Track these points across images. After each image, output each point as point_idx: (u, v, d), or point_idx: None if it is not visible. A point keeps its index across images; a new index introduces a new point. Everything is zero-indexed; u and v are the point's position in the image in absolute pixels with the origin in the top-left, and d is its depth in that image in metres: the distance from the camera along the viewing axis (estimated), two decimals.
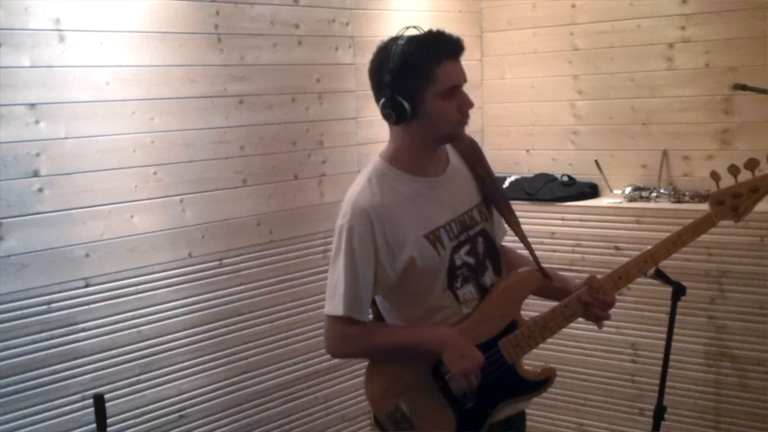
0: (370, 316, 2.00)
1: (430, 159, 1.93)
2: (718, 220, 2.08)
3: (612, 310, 2.04)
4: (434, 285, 1.91)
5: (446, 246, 1.90)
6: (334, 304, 1.88)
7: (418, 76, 1.80)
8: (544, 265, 2.05)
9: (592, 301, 1.96)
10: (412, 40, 1.82)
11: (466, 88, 1.89)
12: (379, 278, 1.88)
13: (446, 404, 1.92)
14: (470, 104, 1.87)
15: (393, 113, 1.83)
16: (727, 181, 2.06)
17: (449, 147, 2.01)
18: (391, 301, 1.97)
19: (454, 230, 1.92)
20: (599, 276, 2.01)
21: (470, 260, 1.94)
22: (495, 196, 2.04)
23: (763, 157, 2.05)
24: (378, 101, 1.87)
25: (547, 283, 2.03)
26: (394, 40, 1.84)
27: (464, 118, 1.88)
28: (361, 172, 1.96)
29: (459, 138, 1.96)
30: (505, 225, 2.08)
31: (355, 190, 1.90)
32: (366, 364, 2.01)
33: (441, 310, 1.93)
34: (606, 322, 2.03)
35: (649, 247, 2.11)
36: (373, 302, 1.99)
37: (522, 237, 2.06)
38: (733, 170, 2.02)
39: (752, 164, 2.01)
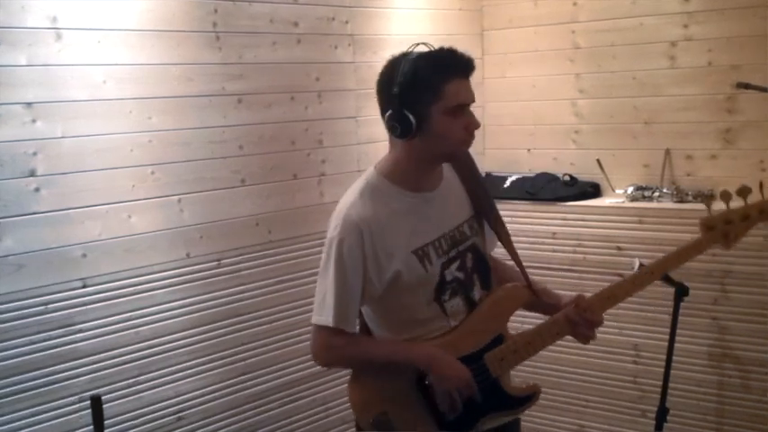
0: (357, 327, 2.00)
1: (426, 175, 1.93)
2: (707, 246, 2.07)
3: (614, 311, 2.03)
4: (420, 299, 1.92)
5: (434, 262, 1.91)
6: (324, 315, 1.89)
7: (426, 92, 1.81)
8: (543, 271, 2.05)
9: (578, 319, 1.98)
10: (423, 55, 1.84)
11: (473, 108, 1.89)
12: (367, 290, 1.89)
13: (429, 415, 1.92)
14: (477, 125, 1.88)
15: (398, 126, 1.83)
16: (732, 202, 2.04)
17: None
18: (377, 311, 1.98)
19: (443, 246, 1.93)
20: (587, 296, 2.02)
21: (460, 275, 1.95)
22: (486, 210, 2.04)
23: (756, 182, 2.04)
24: (384, 113, 1.87)
25: (535, 299, 2.04)
26: (404, 54, 1.85)
27: (469, 137, 1.89)
28: (353, 184, 1.96)
29: (459, 158, 1.97)
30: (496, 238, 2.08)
31: (347, 201, 1.90)
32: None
33: (427, 323, 1.94)
34: (608, 322, 2.05)
35: (648, 257, 2.09)
36: (360, 312, 1.99)
37: (513, 251, 2.06)
38: (725, 196, 2.01)
39: (744, 191, 2.00)
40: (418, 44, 1.88)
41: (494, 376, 1.95)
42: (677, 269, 3.01)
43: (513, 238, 2.09)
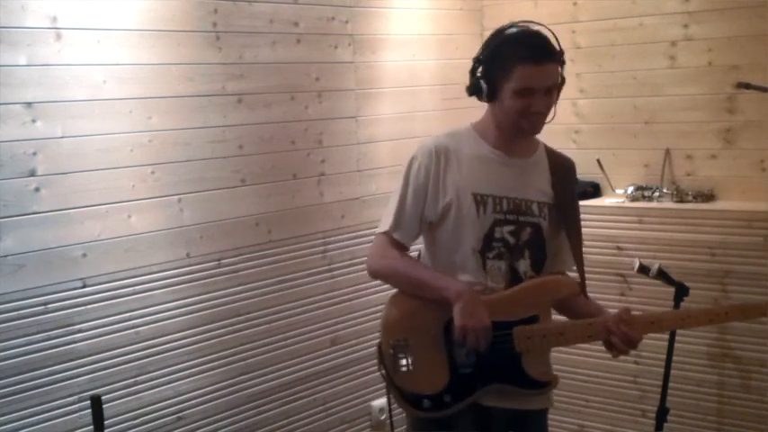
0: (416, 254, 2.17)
1: (509, 140, 2.06)
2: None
3: (614, 311, 2.03)
4: (466, 243, 2.03)
5: (488, 212, 2.02)
6: (383, 222, 2.10)
7: (500, 69, 1.97)
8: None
9: (616, 330, 1.99)
10: (511, 35, 2.00)
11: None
12: (426, 211, 2.05)
13: (445, 362, 2.01)
14: (535, 109, 1.97)
15: (471, 88, 2.04)
16: None
17: (543, 148, 2.14)
18: (430, 244, 2.13)
19: (503, 206, 2.04)
20: (635, 313, 2.04)
21: (510, 239, 2.04)
22: (563, 209, 2.09)
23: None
24: (470, 72, 2.05)
25: (579, 301, 2.09)
26: (504, 28, 2.02)
27: (523, 120, 1.99)
28: None
29: (524, 135, 2.06)
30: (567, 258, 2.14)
31: (433, 135, 2.14)
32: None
33: (464, 271, 2.04)
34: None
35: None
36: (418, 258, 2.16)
37: (578, 256, 2.10)
38: None
39: None
40: (527, 21, 2.03)
41: (517, 350, 1.99)
42: (677, 268, 3.03)
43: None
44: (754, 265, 3.08)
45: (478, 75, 2.00)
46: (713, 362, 3.22)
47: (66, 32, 2.43)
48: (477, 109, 2.15)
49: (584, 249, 3.60)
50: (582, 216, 3.45)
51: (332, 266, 3.24)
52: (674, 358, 2.94)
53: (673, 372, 2.95)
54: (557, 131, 3.71)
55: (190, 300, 2.79)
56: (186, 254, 2.78)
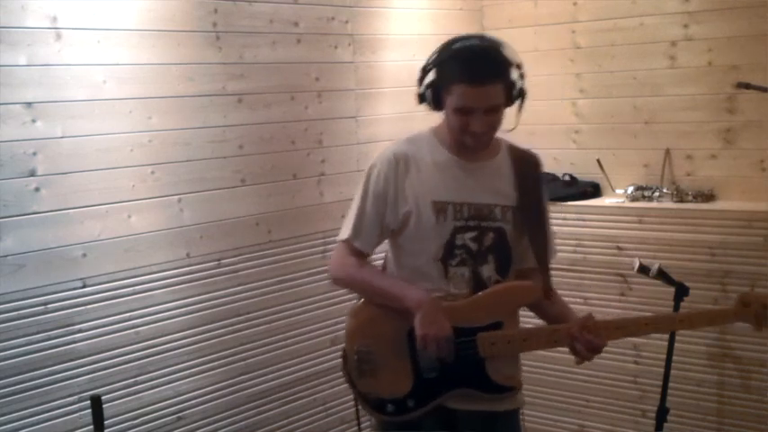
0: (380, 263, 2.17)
1: (465, 146, 2.02)
2: (736, 320, 2.09)
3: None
4: (427, 250, 2.01)
5: (448, 220, 2.00)
6: (343, 230, 2.09)
7: (442, 83, 1.95)
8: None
9: (579, 337, 1.99)
10: (457, 52, 1.93)
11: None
12: (387, 219, 2.04)
13: (408, 368, 2.01)
14: (473, 128, 1.93)
15: (419, 96, 2.01)
16: None
17: (505, 148, 2.11)
18: (392, 249, 2.12)
19: (464, 213, 2.01)
20: (598, 318, 2.04)
21: (472, 246, 2.02)
22: (528, 211, 2.07)
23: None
24: (417, 80, 2.02)
25: (545, 304, 2.09)
26: (454, 41, 1.96)
27: (465, 136, 1.96)
28: None
29: (469, 150, 2.02)
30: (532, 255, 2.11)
31: (393, 142, 2.11)
32: None
33: (427, 279, 2.02)
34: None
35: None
36: (385, 262, 2.17)
37: (541, 255, 2.08)
38: None
39: None
40: (476, 36, 1.98)
41: (481, 356, 1.99)
42: (677, 267, 3.03)
43: None
44: (754, 265, 3.08)
45: (425, 84, 1.97)
46: (713, 362, 3.22)
47: (67, 32, 2.43)
48: None
49: (583, 249, 3.62)
50: (582, 216, 3.53)
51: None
52: (674, 358, 2.94)
53: (673, 372, 2.95)
54: (557, 131, 3.73)
55: (190, 300, 2.79)
56: (186, 254, 2.77)
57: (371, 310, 2.08)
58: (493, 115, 1.94)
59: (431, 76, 1.96)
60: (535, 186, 2.11)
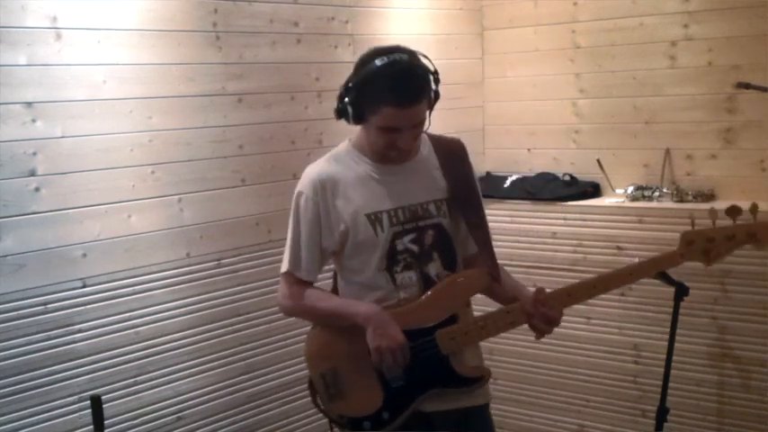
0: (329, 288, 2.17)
1: (390, 159, 2.02)
2: (684, 260, 2.09)
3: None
4: (370, 263, 2.02)
5: (385, 229, 2.00)
6: (283, 262, 2.08)
7: (366, 101, 1.92)
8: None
9: (534, 312, 2.00)
10: (381, 70, 1.89)
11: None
12: (324, 243, 2.04)
13: (376, 380, 1.99)
14: (400, 144, 1.94)
15: (338, 112, 1.99)
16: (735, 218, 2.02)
17: (427, 141, 2.10)
18: (337, 269, 2.14)
19: (399, 217, 2.02)
20: (548, 290, 2.04)
21: (414, 248, 2.02)
22: (461, 198, 2.07)
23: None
24: (338, 96, 1.99)
25: (495, 286, 2.09)
26: (377, 55, 1.92)
27: (391, 152, 1.97)
28: None
29: (392, 163, 2.02)
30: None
31: (315, 163, 2.09)
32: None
33: (376, 290, 2.03)
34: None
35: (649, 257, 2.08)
36: (335, 277, 2.17)
37: (482, 239, 2.08)
38: (712, 214, 2.01)
39: (733, 212, 2.00)
40: (396, 51, 1.92)
41: (443, 353, 1.99)
42: (677, 267, 3.03)
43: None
44: (755, 265, 3.08)
45: (346, 101, 1.94)
46: (713, 362, 3.22)
47: (66, 32, 2.43)
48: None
49: (583, 249, 3.62)
50: (582, 216, 3.53)
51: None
52: (674, 358, 2.93)
53: (673, 372, 2.94)
54: (557, 131, 3.73)
55: (190, 300, 2.79)
56: (186, 254, 2.77)
57: (326, 333, 2.08)
58: (418, 129, 1.96)
59: (353, 93, 1.92)
60: (464, 172, 2.11)
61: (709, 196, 3.27)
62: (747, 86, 2.96)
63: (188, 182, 2.77)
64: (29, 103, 2.36)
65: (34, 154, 2.38)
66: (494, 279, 2.07)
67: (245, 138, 2.93)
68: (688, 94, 3.34)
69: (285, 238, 1.98)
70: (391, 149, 1.97)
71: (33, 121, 2.37)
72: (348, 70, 2.01)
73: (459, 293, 2.05)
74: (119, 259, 2.59)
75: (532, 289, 2.06)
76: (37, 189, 2.39)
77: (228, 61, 2.86)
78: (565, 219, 3.54)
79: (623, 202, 3.42)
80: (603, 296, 3.36)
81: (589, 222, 3.48)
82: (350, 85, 1.94)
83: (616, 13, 3.48)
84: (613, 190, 3.52)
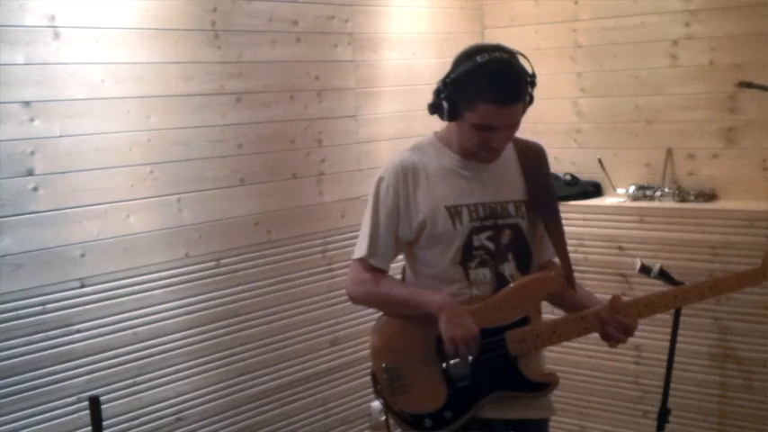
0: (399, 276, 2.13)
1: (479, 158, 2.01)
2: (766, 280, 2.05)
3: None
4: (445, 256, 1.99)
5: (464, 223, 1.99)
6: (357, 248, 2.06)
7: (464, 100, 1.91)
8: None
9: (609, 319, 1.98)
10: (480, 67, 1.88)
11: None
12: (400, 232, 2.02)
13: (441, 377, 1.96)
14: (494, 144, 1.94)
15: (432, 107, 1.97)
16: None
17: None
18: (411, 262, 2.09)
19: (479, 213, 2.00)
20: (625, 298, 2.02)
21: (490, 245, 2.00)
22: (540, 202, 2.07)
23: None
24: (434, 90, 1.98)
25: (567, 293, 2.07)
26: (478, 52, 1.90)
27: (482, 151, 1.96)
28: None
29: (480, 162, 2.02)
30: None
31: (398, 151, 2.07)
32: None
33: (449, 284, 2.00)
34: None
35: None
36: (403, 272, 2.14)
37: (560, 246, 2.08)
38: None
39: None
40: (497, 49, 1.91)
41: (512, 354, 1.96)
42: (678, 268, 3.02)
43: None
44: (755, 265, 3.06)
45: (442, 96, 1.93)
46: (715, 362, 3.21)
47: (65, 31, 2.42)
48: None
49: (584, 249, 3.61)
50: (583, 216, 3.52)
51: (332, 266, 3.23)
52: (676, 359, 2.93)
53: (674, 372, 2.94)
54: (558, 131, 3.72)
55: (189, 300, 2.78)
56: (185, 254, 2.76)
57: (395, 325, 2.04)
58: (512, 129, 1.95)
59: (450, 89, 1.91)
60: (543, 176, 2.12)
61: (711, 196, 3.26)
62: (749, 85, 2.95)
63: (187, 181, 2.76)
64: (27, 103, 2.35)
65: (32, 153, 2.37)
66: (569, 283, 2.05)
67: (244, 137, 2.92)
68: (689, 94, 3.32)
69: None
70: (483, 149, 1.95)
71: (31, 120, 2.36)
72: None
73: (533, 295, 2.02)
74: (117, 259, 2.58)
75: (604, 297, 2.02)
76: (35, 188, 2.38)
77: (227, 60, 2.85)
78: (566, 218, 3.46)
79: (624, 201, 3.41)
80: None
81: (590, 222, 3.47)
82: (447, 80, 1.92)
83: (617, 11, 3.46)
84: (615, 189, 3.51)
